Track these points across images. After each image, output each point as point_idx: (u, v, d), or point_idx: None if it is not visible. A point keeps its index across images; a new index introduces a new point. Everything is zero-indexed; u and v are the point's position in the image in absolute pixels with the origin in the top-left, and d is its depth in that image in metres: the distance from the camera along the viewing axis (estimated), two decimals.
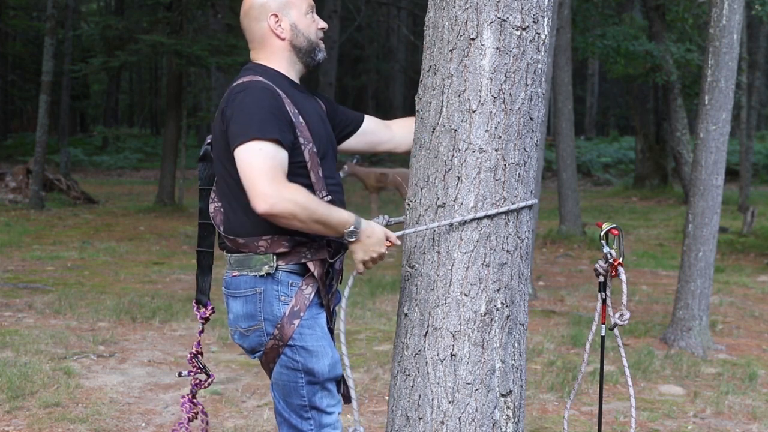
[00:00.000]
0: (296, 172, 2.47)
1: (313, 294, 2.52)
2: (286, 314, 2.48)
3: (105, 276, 8.59)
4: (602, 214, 16.47)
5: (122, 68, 25.97)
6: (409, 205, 2.63)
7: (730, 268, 10.33)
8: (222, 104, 2.52)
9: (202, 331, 2.80)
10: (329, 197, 2.54)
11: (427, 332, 2.52)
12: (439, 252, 2.50)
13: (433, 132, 2.54)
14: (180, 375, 2.86)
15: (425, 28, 2.62)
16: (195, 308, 2.75)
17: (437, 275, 2.51)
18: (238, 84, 2.51)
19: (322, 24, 2.67)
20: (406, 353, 2.57)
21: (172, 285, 8.20)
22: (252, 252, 2.50)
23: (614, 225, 2.72)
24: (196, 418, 2.85)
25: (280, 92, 2.50)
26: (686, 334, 6.29)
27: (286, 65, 2.62)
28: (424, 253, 2.54)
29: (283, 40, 2.60)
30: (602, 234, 2.72)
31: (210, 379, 2.83)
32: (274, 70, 2.59)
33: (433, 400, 2.50)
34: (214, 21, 20.02)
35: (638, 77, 18.00)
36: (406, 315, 2.59)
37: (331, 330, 2.65)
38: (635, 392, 2.88)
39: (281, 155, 2.40)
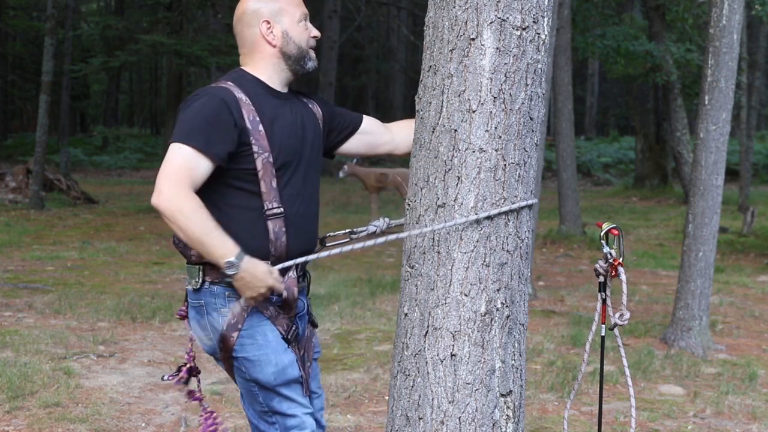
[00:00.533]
0: (244, 179, 2.49)
1: (249, 307, 2.51)
2: (224, 328, 2.50)
3: (105, 276, 8.60)
4: (602, 214, 16.48)
5: (122, 68, 25.99)
6: (409, 205, 2.63)
7: (730, 268, 10.33)
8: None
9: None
10: (280, 209, 2.52)
11: (427, 332, 2.52)
12: (439, 252, 2.50)
13: (433, 132, 2.54)
14: (162, 378, 2.89)
15: (425, 28, 2.62)
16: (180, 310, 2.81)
17: (437, 275, 2.51)
18: (202, 88, 2.57)
19: (315, 33, 2.67)
20: (406, 353, 2.57)
21: (172, 285, 8.20)
22: (187, 261, 2.56)
23: (614, 225, 2.72)
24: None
25: (244, 98, 2.51)
26: (686, 334, 6.29)
27: (271, 72, 2.62)
28: (424, 253, 2.54)
29: (273, 46, 2.60)
30: (602, 234, 2.72)
31: (197, 394, 2.84)
32: (252, 76, 2.60)
33: (433, 400, 2.51)
34: (214, 21, 20.02)
35: (638, 77, 18.01)
36: (406, 315, 2.59)
37: (288, 339, 2.60)
38: (635, 392, 2.88)
39: (198, 163, 2.42)
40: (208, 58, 15.49)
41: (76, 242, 11.04)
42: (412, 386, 2.55)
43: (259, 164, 2.49)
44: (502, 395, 2.52)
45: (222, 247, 2.39)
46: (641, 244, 12.64)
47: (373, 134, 2.88)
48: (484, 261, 2.48)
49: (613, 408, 4.79)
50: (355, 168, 12.21)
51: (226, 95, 2.50)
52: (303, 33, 2.63)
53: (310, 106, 2.74)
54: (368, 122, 2.89)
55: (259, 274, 2.41)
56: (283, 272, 2.53)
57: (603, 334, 2.85)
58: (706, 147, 6.29)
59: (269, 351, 2.53)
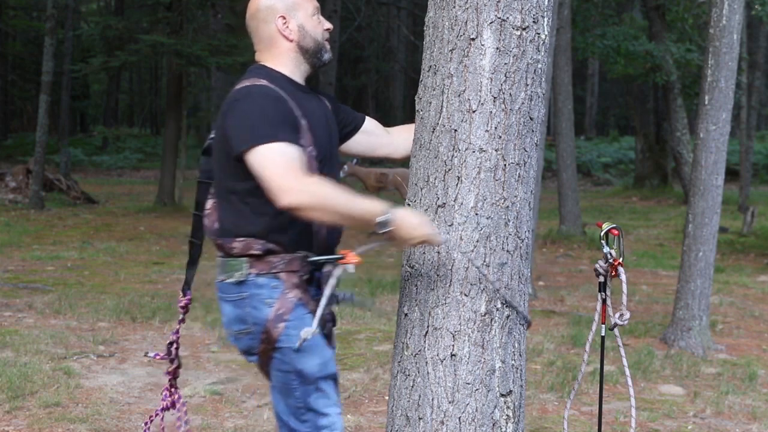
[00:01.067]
0: None
1: (296, 298, 2.50)
2: (271, 318, 2.48)
3: (105, 276, 8.59)
4: (602, 214, 16.48)
5: (122, 68, 26.00)
6: (409, 205, 2.63)
7: (730, 268, 10.33)
8: (224, 107, 2.52)
9: (181, 321, 2.81)
10: None
11: (427, 332, 2.52)
12: (439, 252, 2.50)
13: (433, 132, 2.54)
14: (146, 355, 2.93)
15: (425, 28, 2.61)
16: (179, 297, 2.81)
17: (437, 275, 2.51)
18: (240, 88, 2.52)
19: (328, 25, 2.68)
20: (406, 353, 2.57)
21: (172, 285, 8.20)
22: (226, 255, 2.53)
23: (614, 225, 2.72)
24: (174, 407, 2.89)
25: (284, 95, 2.51)
26: (686, 334, 6.29)
27: (292, 66, 2.62)
28: (424, 253, 2.54)
29: (290, 41, 2.60)
30: (602, 234, 2.72)
31: (174, 366, 2.86)
32: (279, 73, 2.59)
33: (433, 400, 2.50)
34: (214, 21, 20.01)
35: (638, 77, 18.01)
36: (406, 315, 2.59)
37: (327, 335, 2.62)
38: (635, 392, 2.88)
39: (294, 151, 2.41)
40: (208, 58, 15.49)
41: (76, 242, 11.04)
42: (412, 386, 2.55)
43: (305, 158, 2.49)
44: (502, 395, 2.52)
45: (371, 207, 2.37)
46: (641, 244, 12.64)
47: (373, 135, 2.88)
48: (484, 261, 2.48)
49: (613, 408, 4.79)
50: (355, 168, 12.20)
51: (275, 92, 2.50)
52: (317, 26, 2.64)
53: (323, 100, 2.76)
54: (370, 123, 2.89)
55: (415, 223, 2.38)
56: (321, 266, 2.54)
57: (603, 334, 2.85)
58: (706, 147, 6.29)
59: (313, 343, 2.51)
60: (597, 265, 2.76)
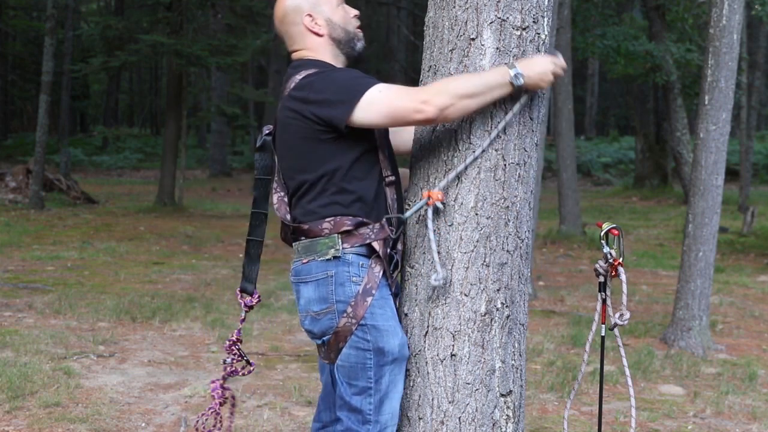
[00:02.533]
0: (367, 148, 2.51)
1: (381, 273, 2.52)
2: (360, 292, 2.48)
3: (105, 276, 8.59)
4: (602, 214, 16.48)
5: (122, 68, 25.99)
6: (409, 205, 2.63)
7: (730, 268, 10.33)
8: (298, 95, 2.52)
9: (243, 320, 2.78)
10: (392, 176, 2.58)
11: (427, 332, 2.52)
12: (439, 252, 2.50)
13: (433, 132, 2.55)
14: (224, 362, 2.84)
15: (425, 28, 2.62)
16: (239, 296, 2.73)
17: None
18: (307, 75, 2.54)
19: (354, 12, 2.72)
20: None
21: (172, 285, 8.20)
22: (317, 236, 2.52)
23: (614, 225, 2.72)
24: (225, 403, 2.83)
25: None
26: (686, 334, 6.29)
27: (332, 58, 2.66)
28: (424, 253, 2.54)
29: (321, 36, 2.64)
30: (602, 234, 2.72)
31: (250, 368, 2.81)
32: (325, 62, 2.63)
33: (433, 400, 2.50)
34: (214, 21, 20.02)
35: (638, 77, 18.02)
36: (406, 315, 2.59)
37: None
38: (635, 392, 2.88)
39: (392, 84, 2.46)
40: (208, 58, 15.50)
41: (76, 242, 11.04)
42: (412, 386, 2.55)
43: (376, 132, 2.54)
44: (502, 395, 2.52)
45: (495, 73, 2.42)
46: (641, 244, 12.64)
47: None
48: (484, 261, 2.48)
49: (613, 408, 4.79)
50: None
51: (335, 66, 2.59)
52: (345, 16, 2.68)
53: None
54: None
55: (540, 66, 2.44)
56: (396, 241, 2.59)
57: (603, 334, 2.85)
58: (706, 147, 6.29)
59: (396, 323, 2.54)
60: (597, 265, 2.76)
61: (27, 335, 5.89)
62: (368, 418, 2.50)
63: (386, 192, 2.56)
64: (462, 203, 2.48)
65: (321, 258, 2.51)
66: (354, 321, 2.48)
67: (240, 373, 2.81)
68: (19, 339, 5.77)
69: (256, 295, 2.72)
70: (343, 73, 2.54)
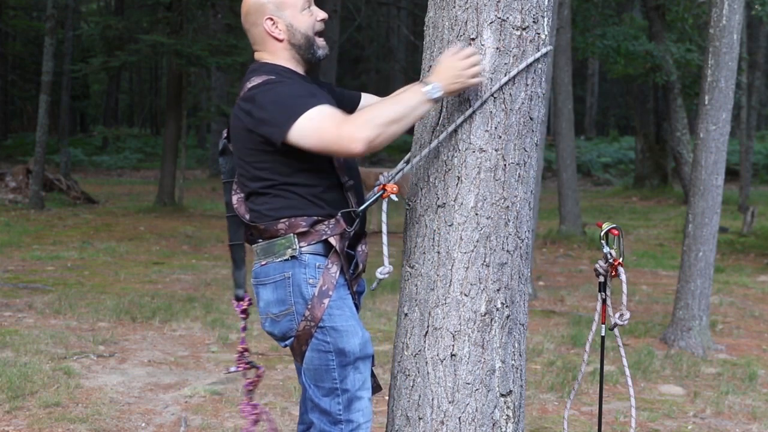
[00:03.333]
0: (320, 156, 2.50)
1: (338, 273, 2.53)
2: (316, 294, 2.49)
3: (105, 276, 8.59)
4: (602, 214, 16.48)
5: (122, 68, 26.03)
6: (409, 205, 2.63)
7: (730, 268, 10.33)
8: (243, 107, 2.53)
9: (244, 328, 2.79)
10: (351, 181, 2.60)
11: (427, 332, 2.52)
12: (439, 252, 2.50)
13: (433, 132, 2.55)
14: (228, 372, 2.85)
15: (425, 28, 2.62)
16: (235, 305, 2.76)
17: (437, 275, 2.51)
18: (256, 84, 2.54)
19: (321, 15, 2.69)
20: (406, 353, 2.57)
21: (172, 285, 8.20)
22: (273, 237, 2.54)
23: (614, 225, 2.72)
24: (260, 420, 2.81)
25: (297, 77, 2.59)
26: (686, 334, 6.29)
27: (290, 63, 2.66)
28: (424, 253, 2.54)
29: (281, 41, 2.64)
30: (602, 234, 2.72)
31: (260, 371, 2.81)
32: (284, 67, 2.64)
33: (433, 400, 2.50)
34: (214, 21, 20.01)
35: (638, 77, 18.02)
36: (406, 315, 2.59)
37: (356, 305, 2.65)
38: (635, 392, 2.88)
39: (330, 107, 2.45)
40: (208, 58, 15.48)
41: (76, 242, 11.04)
42: (412, 386, 2.55)
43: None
44: (502, 395, 2.52)
45: (412, 95, 2.41)
46: (641, 244, 12.64)
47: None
48: (484, 261, 2.48)
49: (613, 408, 4.79)
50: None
51: (288, 75, 2.57)
52: (308, 20, 2.66)
53: (324, 89, 2.80)
54: (367, 98, 2.94)
55: (447, 70, 2.41)
56: (357, 241, 2.60)
57: (603, 334, 2.85)
58: (706, 147, 6.29)
59: (355, 323, 2.55)
60: (597, 265, 2.76)
61: (27, 335, 5.89)
62: (339, 419, 2.52)
63: (347, 196, 2.57)
64: (462, 203, 2.48)
65: (279, 259, 2.53)
66: (313, 324, 2.49)
67: (256, 382, 2.81)
68: (19, 339, 5.77)
69: (247, 299, 2.74)
70: (287, 88, 2.50)
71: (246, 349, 2.78)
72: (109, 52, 18.42)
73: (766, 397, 5.18)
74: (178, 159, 16.69)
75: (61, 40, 22.38)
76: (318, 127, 2.40)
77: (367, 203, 2.54)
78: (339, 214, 2.53)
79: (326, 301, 2.49)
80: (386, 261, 2.50)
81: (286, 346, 2.58)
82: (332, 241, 2.52)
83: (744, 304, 8.21)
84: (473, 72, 2.41)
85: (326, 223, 2.52)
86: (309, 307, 2.49)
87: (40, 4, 29.68)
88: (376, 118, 2.38)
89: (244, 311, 2.74)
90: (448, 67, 2.41)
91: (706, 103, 6.29)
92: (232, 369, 2.81)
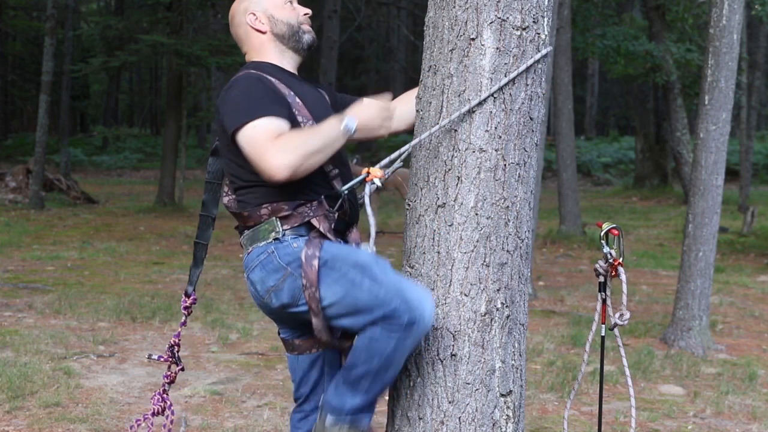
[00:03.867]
0: None
1: (321, 239, 2.51)
2: (303, 261, 2.45)
3: (105, 276, 8.59)
4: (602, 214, 16.48)
5: (122, 68, 26.02)
6: (409, 205, 2.63)
7: (730, 268, 10.33)
8: (218, 104, 2.60)
9: (183, 323, 2.84)
10: (336, 170, 2.61)
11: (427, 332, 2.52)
12: (439, 252, 2.50)
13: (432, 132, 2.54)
14: (149, 357, 2.94)
15: (425, 28, 2.62)
16: (182, 300, 2.83)
17: (437, 275, 2.51)
18: (227, 86, 2.61)
19: (305, 11, 2.74)
20: None
21: (172, 285, 8.20)
22: (257, 224, 2.56)
23: (614, 225, 2.72)
24: (163, 413, 2.88)
25: (270, 78, 2.59)
26: (686, 334, 6.29)
27: (277, 56, 2.69)
28: (424, 253, 2.54)
29: (264, 32, 2.68)
30: (602, 234, 2.72)
31: (178, 368, 2.87)
32: (266, 63, 2.67)
33: (433, 400, 2.50)
34: (214, 21, 20.02)
35: (638, 77, 18.02)
36: None
37: None
38: (635, 392, 2.88)
39: (279, 123, 2.45)
40: (208, 58, 15.49)
41: (76, 242, 11.04)
42: (412, 386, 2.55)
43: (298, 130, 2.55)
44: (502, 395, 2.52)
45: (331, 126, 2.47)
46: (641, 244, 12.64)
47: None
48: (484, 261, 2.48)
49: (613, 408, 4.79)
50: (355, 168, 12.19)
51: (256, 74, 2.58)
52: (290, 12, 2.70)
53: (320, 90, 2.82)
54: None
55: (369, 116, 2.55)
56: (347, 229, 2.63)
57: (603, 334, 2.85)
58: (706, 147, 6.29)
59: (349, 248, 2.57)
60: (597, 265, 2.76)
61: (27, 335, 5.89)
62: (400, 309, 2.33)
63: (333, 184, 2.59)
64: (462, 203, 2.48)
65: (262, 242, 2.55)
66: (314, 288, 2.43)
67: (172, 377, 2.88)
68: (19, 339, 5.77)
69: (192, 297, 2.80)
70: (251, 89, 2.52)
71: (177, 344, 2.84)
72: (109, 52, 18.43)
73: (766, 397, 5.18)
74: (178, 159, 16.69)
75: (61, 40, 22.38)
76: (250, 143, 2.42)
77: (350, 184, 2.54)
78: (322, 197, 2.54)
79: (315, 262, 2.44)
80: (372, 242, 2.49)
81: (298, 311, 2.49)
82: (315, 222, 2.52)
83: (744, 304, 8.21)
84: (386, 119, 2.58)
85: (308, 205, 2.53)
86: (302, 274, 2.44)
87: (40, 4, 29.67)
88: (301, 149, 2.39)
89: (186, 308, 2.81)
90: (373, 115, 2.56)
91: (706, 103, 6.29)
92: (155, 356, 2.89)
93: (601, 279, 2.76)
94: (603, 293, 2.78)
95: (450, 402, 2.49)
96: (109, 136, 31.00)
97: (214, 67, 18.02)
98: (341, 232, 2.61)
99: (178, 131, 16.70)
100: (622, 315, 2.67)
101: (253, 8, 2.67)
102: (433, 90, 2.54)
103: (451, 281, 2.49)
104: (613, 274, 2.72)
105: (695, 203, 6.33)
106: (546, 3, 2.52)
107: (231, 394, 4.79)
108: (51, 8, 15.64)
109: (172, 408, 2.91)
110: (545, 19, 2.52)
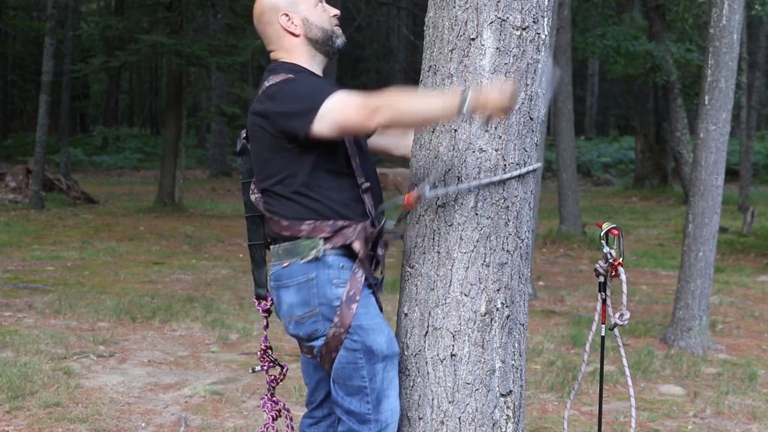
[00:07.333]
0: (337, 160, 2.50)
1: (364, 277, 2.51)
2: (343, 300, 2.47)
3: (105, 276, 8.59)
4: (602, 214, 16.48)
5: (122, 68, 25.98)
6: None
7: (730, 268, 10.33)
8: (263, 105, 2.51)
9: (266, 326, 2.77)
10: (368, 183, 2.56)
11: (427, 332, 2.52)
12: (439, 252, 2.50)
13: (433, 132, 2.55)
14: (253, 371, 2.84)
15: (425, 28, 2.62)
16: (256, 303, 2.73)
17: (437, 275, 2.51)
18: (273, 84, 2.53)
19: (334, 11, 2.69)
20: (406, 353, 2.57)
21: (172, 285, 8.20)
22: (296, 236, 2.51)
23: (614, 225, 2.72)
24: (280, 416, 2.82)
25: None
26: (686, 334, 6.29)
27: (308, 59, 2.64)
28: (424, 253, 2.54)
29: (297, 36, 2.62)
30: (602, 234, 2.72)
31: (284, 370, 2.82)
32: (301, 66, 2.61)
33: (433, 400, 2.50)
34: (214, 21, 20.02)
35: (638, 77, 18.02)
36: (406, 315, 2.59)
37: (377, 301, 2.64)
38: (635, 392, 2.88)
39: (351, 92, 2.43)
40: (208, 58, 15.48)
41: (76, 242, 11.04)
42: (412, 386, 2.55)
43: (347, 142, 2.53)
44: (502, 395, 2.52)
45: (440, 105, 2.33)
46: (641, 244, 12.64)
47: (387, 135, 2.87)
48: (484, 261, 2.48)
49: (613, 408, 4.79)
50: (383, 179, 12.23)
51: (306, 72, 2.56)
52: (322, 14, 2.65)
53: None
54: None
55: (491, 93, 2.28)
56: (377, 242, 2.58)
57: (603, 334, 2.85)
58: (706, 147, 6.29)
59: (381, 320, 2.53)
60: (597, 265, 2.76)
61: (27, 335, 5.89)
62: (368, 418, 2.49)
63: (364, 199, 2.55)
64: (462, 203, 2.48)
65: (303, 260, 2.50)
66: (342, 330, 2.47)
67: (279, 379, 2.83)
68: (19, 339, 5.77)
69: (270, 298, 2.70)
70: (306, 82, 2.50)
71: (269, 347, 2.77)
72: (109, 52, 18.43)
73: (766, 397, 5.18)
74: (178, 159, 16.69)
75: (61, 40, 22.40)
76: (341, 107, 2.38)
77: (388, 204, 2.53)
78: (366, 221, 2.52)
79: (354, 306, 2.46)
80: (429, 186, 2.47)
81: (311, 346, 2.53)
82: (356, 246, 2.50)
83: (744, 304, 8.21)
84: (508, 105, 2.30)
85: (352, 227, 2.50)
86: (338, 313, 2.47)
87: (40, 4, 29.68)
88: (401, 105, 2.36)
89: (266, 310, 2.72)
90: (494, 95, 2.28)
91: (706, 103, 6.29)
92: (257, 368, 2.80)
93: (601, 279, 2.76)
94: (603, 293, 2.79)
95: (450, 402, 2.49)
96: (109, 136, 31.00)
97: (214, 67, 17.99)
98: (372, 246, 2.58)
99: (178, 131, 16.70)
100: (622, 315, 2.68)
101: (287, 9, 2.60)
102: (433, 90, 2.54)
103: (451, 281, 2.49)
104: (613, 274, 2.72)
105: (695, 203, 6.33)
106: (546, 3, 2.52)
107: (231, 394, 4.79)
108: (51, 8, 15.64)
109: (286, 407, 2.86)
110: (545, 19, 2.52)
